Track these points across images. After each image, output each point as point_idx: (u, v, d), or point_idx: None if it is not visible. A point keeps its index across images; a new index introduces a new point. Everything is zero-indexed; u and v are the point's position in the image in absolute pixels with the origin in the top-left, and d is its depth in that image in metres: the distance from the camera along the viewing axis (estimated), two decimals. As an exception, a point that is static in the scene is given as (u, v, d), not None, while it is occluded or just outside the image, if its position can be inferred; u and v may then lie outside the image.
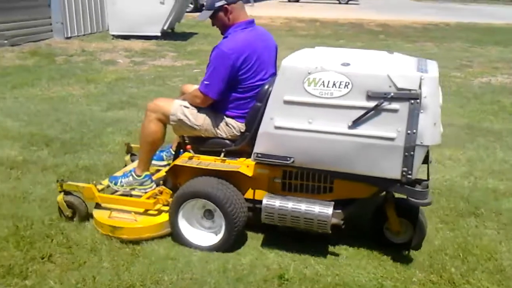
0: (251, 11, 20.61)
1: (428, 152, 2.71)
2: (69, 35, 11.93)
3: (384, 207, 2.92)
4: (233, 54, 2.93)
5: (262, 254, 2.95)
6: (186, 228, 2.98)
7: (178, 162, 3.05)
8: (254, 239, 3.07)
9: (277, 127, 2.70)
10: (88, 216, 3.24)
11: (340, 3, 28.97)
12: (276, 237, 3.06)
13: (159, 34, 11.83)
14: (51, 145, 4.64)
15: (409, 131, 2.50)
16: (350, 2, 29.24)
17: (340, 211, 2.81)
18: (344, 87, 2.55)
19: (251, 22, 3.15)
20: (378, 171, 2.63)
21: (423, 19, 18.77)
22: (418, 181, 2.70)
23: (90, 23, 12.91)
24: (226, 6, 3.06)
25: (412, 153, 2.53)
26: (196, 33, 13.75)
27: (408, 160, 2.54)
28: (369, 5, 28.16)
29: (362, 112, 2.54)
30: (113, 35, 12.07)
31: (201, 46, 11.59)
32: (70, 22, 12.00)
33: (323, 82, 2.58)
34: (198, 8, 20.28)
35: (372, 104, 2.52)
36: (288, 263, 2.86)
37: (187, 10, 15.35)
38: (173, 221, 2.97)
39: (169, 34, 12.61)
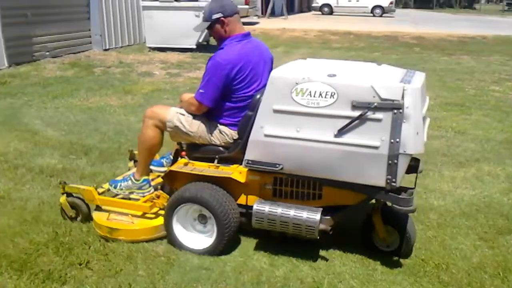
0: (284, 24, 20.84)
1: (418, 162, 2.87)
2: (107, 47, 12.26)
3: (371, 215, 2.97)
4: (227, 65, 3.04)
5: (296, 266, 2.94)
6: (180, 231, 3.08)
7: (173, 168, 3.16)
8: (288, 251, 3.07)
9: (266, 135, 2.80)
10: (90, 217, 3.33)
11: (374, 15, 28.84)
12: (310, 249, 3.05)
13: (194, 46, 12.03)
14: (90, 154, 4.75)
15: (392, 140, 2.56)
16: (384, 15, 29.06)
17: (329, 217, 2.86)
18: (330, 97, 2.64)
19: (247, 35, 3.26)
20: (363, 178, 2.70)
21: (459, 32, 18.46)
22: (404, 189, 2.77)
23: (128, 36, 13.24)
24: (222, 18, 3.17)
25: (395, 161, 2.58)
26: (230, 46, 13.90)
27: (392, 168, 2.60)
28: (403, 18, 27.93)
29: (347, 121, 2.62)
30: (149, 47, 12.34)
31: (235, 59, 11.71)
32: (108, 35, 12.33)
33: (310, 92, 2.68)
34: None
35: (356, 113, 2.59)
36: (322, 276, 2.84)
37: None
38: (167, 224, 3.07)
39: (204, 47, 12.78)
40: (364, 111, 2.57)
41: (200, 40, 12.26)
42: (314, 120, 2.68)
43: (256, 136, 2.84)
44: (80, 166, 4.45)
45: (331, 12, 29.92)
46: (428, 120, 2.93)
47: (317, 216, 2.78)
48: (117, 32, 12.76)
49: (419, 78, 2.77)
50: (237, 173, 3.01)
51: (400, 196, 2.70)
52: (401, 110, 2.53)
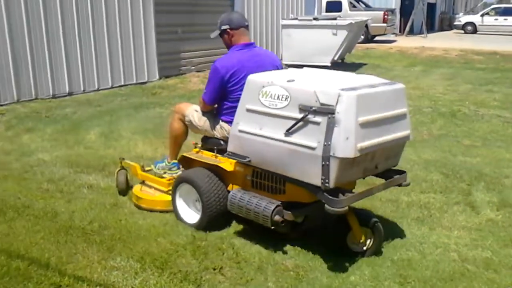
0: (423, 42, 20.02)
1: (403, 174, 3.25)
2: (246, 63, 12.80)
3: (346, 216, 3.10)
4: (222, 69, 3.57)
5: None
6: (181, 206, 3.65)
7: (185, 154, 3.76)
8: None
9: (240, 131, 3.18)
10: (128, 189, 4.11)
11: (525, 35, 26.47)
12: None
13: (329, 64, 12.08)
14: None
15: (325, 143, 2.74)
16: (537, 33, 26.53)
17: (289, 212, 3.10)
18: (285, 100, 2.93)
19: (248, 45, 3.74)
20: (306, 177, 2.91)
21: None
22: (343, 191, 2.92)
23: (265, 52, 13.71)
24: (228, 30, 3.73)
25: (327, 163, 2.75)
26: (365, 64, 13.75)
27: (325, 169, 2.77)
28: (561, 37, 25.25)
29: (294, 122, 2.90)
30: (286, 64, 12.65)
31: (370, 77, 11.53)
32: (247, 51, 12.87)
33: (271, 94, 3.00)
34: (369, 39, 20.29)
35: (301, 115, 2.84)
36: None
37: (358, 41, 15.42)
38: (173, 198, 3.68)
39: (339, 64, 12.79)
40: (306, 114, 2.82)
41: (336, 58, 12.30)
42: (272, 120, 3.01)
43: (234, 131, 3.24)
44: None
45: (474, 31, 28.09)
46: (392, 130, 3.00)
47: (271, 208, 3.05)
48: (256, 49, 13.27)
49: (379, 88, 2.93)
50: (228, 163, 3.44)
51: (331, 197, 2.83)
52: (334, 115, 2.71)
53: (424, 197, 4.25)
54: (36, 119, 6.74)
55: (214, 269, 3.06)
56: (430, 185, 4.52)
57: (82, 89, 8.63)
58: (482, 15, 28.55)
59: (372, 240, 3.25)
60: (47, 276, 2.91)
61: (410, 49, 17.54)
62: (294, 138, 2.90)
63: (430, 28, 29.27)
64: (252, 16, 13.05)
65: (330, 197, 2.84)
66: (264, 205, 3.09)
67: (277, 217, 3.06)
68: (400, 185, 3.31)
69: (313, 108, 2.78)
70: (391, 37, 23.21)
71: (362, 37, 18.18)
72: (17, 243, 3.29)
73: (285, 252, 3.24)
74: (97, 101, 8.04)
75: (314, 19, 12.29)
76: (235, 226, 3.60)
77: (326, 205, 2.84)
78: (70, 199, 4.06)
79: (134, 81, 9.59)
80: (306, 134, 2.85)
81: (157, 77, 10.08)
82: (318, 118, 2.78)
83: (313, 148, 2.80)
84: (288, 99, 2.92)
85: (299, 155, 2.88)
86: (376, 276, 3.01)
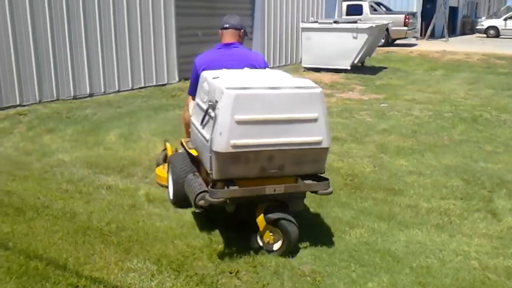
0: (444, 46, 19.77)
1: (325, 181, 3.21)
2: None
3: (255, 216, 3.23)
4: (197, 64, 3.87)
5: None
6: (170, 183, 3.97)
7: (181, 139, 4.05)
8: None
9: (192, 122, 3.53)
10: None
11: (550, 39, 25.99)
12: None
13: (348, 67, 12.02)
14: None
15: (211, 137, 2.96)
16: None
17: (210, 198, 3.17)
18: (207, 95, 3.17)
19: (228, 45, 4.00)
20: (208, 167, 3.11)
21: None
22: (227, 184, 3.06)
23: (285, 56, 13.73)
24: (219, 30, 4.08)
25: (210, 155, 2.98)
26: (385, 68, 13.63)
27: (210, 161, 3.01)
28: None
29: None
30: (304, 67, 12.63)
31: (390, 81, 11.44)
32: (267, 54, 12.89)
33: (204, 89, 3.28)
34: (389, 43, 20.13)
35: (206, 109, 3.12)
36: None
37: (379, 44, 15.30)
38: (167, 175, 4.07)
39: (359, 68, 12.71)
40: (208, 108, 3.06)
41: (356, 61, 12.22)
42: (199, 112, 3.31)
43: (191, 122, 3.60)
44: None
45: (497, 35, 27.67)
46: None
47: (196, 192, 3.20)
48: (276, 52, 13.29)
49: (279, 91, 3.00)
50: (194, 150, 3.59)
51: (209, 187, 3.07)
52: (216, 111, 2.94)
53: (444, 203, 4.18)
54: (57, 119, 6.83)
55: (231, 273, 3.04)
56: (451, 191, 4.45)
57: (102, 90, 8.72)
58: (505, 19, 28.10)
59: (282, 241, 3.24)
60: (65, 276, 2.93)
61: (431, 53, 17.35)
62: (202, 130, 3.19)
63: (452, 32, 28.91)
64: (273, 19, 13.05)
65: (209, 187, 3.08)
66: (195, 190, 3.24)
67: (201, 202, 3.18)
68: (316, 192, 3.22)
69: (211, 103, 3.01)
70: (412, 40, 22.98)
71: (383, 40, 18.03)
72: (36, 243, 3.32)
73: (301, 257, 3.22)
74: (117, 102, 8.12)
75: (335, 22, 12.23)
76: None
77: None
78: (88, 200, 4.09)
79: (154, 83, 9.65)
80: (207, 127, 3.11)
81: (177, 79, 10.14)
82: (213, 113, 3.00)
83: (207, 140, 3.04)
84: (208, 94, 3.17)
85: (204, 146, 3.14)
86: (394, 283, 2.97)
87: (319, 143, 3.08)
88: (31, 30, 7.53)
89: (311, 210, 3.99)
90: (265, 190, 3.10)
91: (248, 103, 2.92)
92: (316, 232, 3.62)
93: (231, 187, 3.06)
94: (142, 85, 9.42)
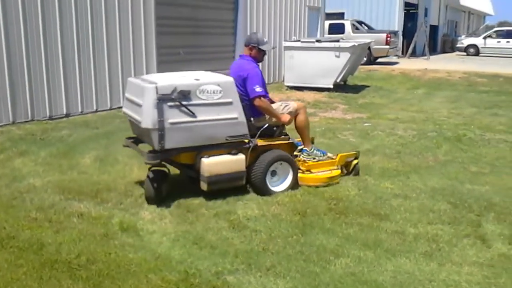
0: (426, 64, 19.94)
1: None
2: (247, 85, 12.70)
3: None
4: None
5: None
6: None
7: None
8: None
9: None
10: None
11: (527, 57, 26.43)
12: None
13: (331, 86, 11.96)
14: (225, 191, 4.78)
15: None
16: (540, 56, 26.50)
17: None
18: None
19: (240, 56, 5.19)
20: None
21: None
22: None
23: (268, 74, 13.62)
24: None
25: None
26: (368, 86, 13.62)
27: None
28: None
29: None
30: (287, 86, 12.54)
31: (373, 99, 11.39)
32: (249, 73, 12.78)
33: None
34: (371, 61, 20.23)
35: None
36: None
37: (361, 63, 15.32)
38: None
39: (341, 86, 12.68)
40: None
41: (338, 80, 12.17)
42: None
43: None
44: (216, 203, 4.46)
45: (477, 53, 28.08)
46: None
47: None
48: (258, 71, 13.19)
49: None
50: None
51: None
52: None
53: (432, 228, 4.03)
54: (31, 141, 6.57)
55: (208, 310, 2.84)
56: (438, 215, 4.31)
57: (80, 110, 8.48)
58: (484, 38, 28.56)
59: None
60: (27, 317, 2.70)
61: (412, 71, 17.45)
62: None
63: (433, 50, 29.30)
64: (254, 38, 12.96)
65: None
66: None
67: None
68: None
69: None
70: (394, 59, 23.16)
71: (365, 59, 18.11)
72: (-2, 278, 3.08)
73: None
74: (94, 122, 7.88)
75: (317, 41, 12.19)
76: (231, 261, 3.39)
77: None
78: (58, 229, 3.85)
79: (134, 103, 9.44)
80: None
81: (157, 98, 9.93)
82: None
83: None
84: None
85: None
86: None
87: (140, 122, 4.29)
88: (4, 46, 7.31)
89: (294, 237, 3.80)
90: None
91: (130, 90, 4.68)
92: (300, 262, 3.43)
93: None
94: (121, 104, 9.14)
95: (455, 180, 5.31)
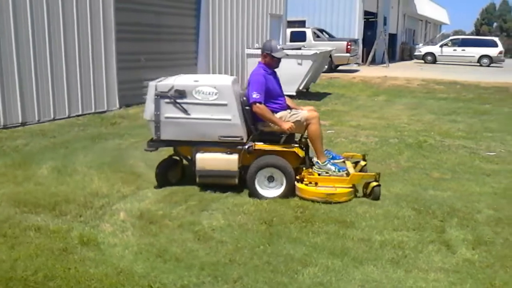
0: (386, 72, 20.34)
1: None
2: (210, 92, 12.61)
3: None
4: None
5: None
6: None
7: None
8: None
9: None
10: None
11: (481, 65, 27.40)
12: None
13: (294, 93, 11.99)
14: (190, 201, 4.69)
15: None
16: (492, 64, 27.51)
17: None
18: None
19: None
20: None
21: None
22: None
23: (230, 81, 13.57)
24: None
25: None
26: (330, 93, 13.75)
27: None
28: (514, 68, 26.23)
29: None
30: (250, 93, 12.50)
31: (335, 107, 11.49)
32: (212, 80, 12.71)
33: None
34: (333, 69, 20.49)
35: None
36: None
37: (323, 70, 15.46)
38: None
39: (304, 94, 12.74)
40: None
41: (301, 88, 12.23)
42: None
43: None
44: (179, 213, 4.38)
45: (434, 61, 28.93)
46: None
47: None
48: (221, 78, 13.14)
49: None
50: None
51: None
52: None
53: (398, 235, 4.04)
54: (-16, 152, 6.27)
55: (173, 326, 2.73)
56: (403, 222, 4.33)
57: (36, 118, 8.18)
58: (441, 46, 29.44)
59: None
60: None
61: (373, 79, 17.75)
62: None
63: (392, 58, 29.95)
64: (217, 45, 12.94)
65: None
66: None
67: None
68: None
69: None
70: (354, 66, 23.54)
71: (326, 66, 18.31)
72: None
73: None
74: (52, 131, 7.62)
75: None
76: (197, 274, 3.30)
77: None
78: (13, 245, 3.66)
79: (93, 110, 9.20)
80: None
81: (118, 106, 9.73)
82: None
83: None
84: None
85: None
86: None
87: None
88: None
89: (261, 247, 3.74)
90: None
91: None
92: (267, 273, 3.36)
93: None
94: (80, 112, 8.94)
95: (418, 186, 5.37)
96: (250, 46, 13.92)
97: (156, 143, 4.93)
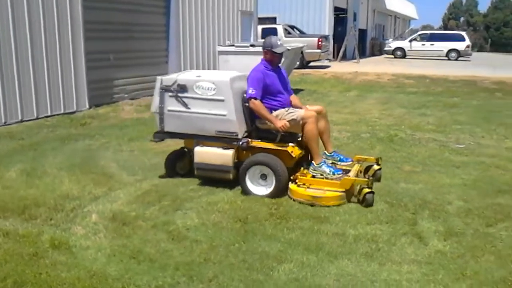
0: (356, 67, 20.55)
1: None
2: (182, 90, 12.52)
3: None
4: None
5: None
6: None
7: None
8: None
9: None
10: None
11: (449, 59, 27.94)
12: None
13: (266, 90, 12.00)
14: (163, 200, 4.64)
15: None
16: (460, 58, 28.08)
17: None
18: None
19: None
20: None
21: (546, 77, 17.36)
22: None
23: (202, 79, 13.50)
24: None
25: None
26: (302, 90, 13.81)
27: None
28: (480, 61, 26.85)
29: None
30: (223, 90, 12.45)
31: (307, 103, 11.51)
32: (183, 78, 12.62)
33: None
34: (304, 65, 20.58)
35: None
36: None
37: (295, 67, 15.51)
38: None
39: (276, 90, 12.73)
40: None
41: (273, 84, 12.23)
42: None
43: None
44: (153, 214, 4.33)
45: (404, 56, 29.34)
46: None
47: None
48: (192, 75, 13.06)
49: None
50: None
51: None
52: None
53: (371, 229, 4.08)
54: (-52, 156, 6.08)
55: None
56: (376, 215, 4.37)
57: (3, 120, 7.98)
58: (410, 41, 29.88)
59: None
60: None
61: (344, 74, 17.90)
62: None
63: (362, 54, 30.30)
64: (188, 42, 12.84)
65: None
66: None
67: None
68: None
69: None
70: (325, 62, 23.70)
71: (298, 63, 18.35)
72: None
73: None
74: (20, 133, 7.43)
75: (251, 45, 12.20)
76: (171, 274, 3.27)
77: None
78: (-19, 251, 3.56)
79: (62, 111, 9.01)
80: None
81: (87, 106, 9.55)
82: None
83: None
84: None
85: None
86: None
87: None
88: None
89: (236, 245, 3.72)
90: None
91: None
92: (243, 270, 3.35)
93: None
94: (49, 113, 8.75)
95: (390, 179, 5.44)
96: (221, 43, 13.85)
97: (160, 135, 5.20)
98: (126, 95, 10.75)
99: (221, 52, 12.40)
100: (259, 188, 4.80)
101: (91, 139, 7.20)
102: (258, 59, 12.89)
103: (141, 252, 3.58)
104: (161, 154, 6.41)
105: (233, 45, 12.69)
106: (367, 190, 4.54)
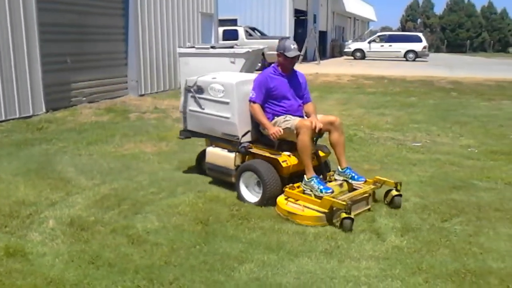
0: (317, 69, 20.80)
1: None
2: (143, 93, 12.39)
3: None
4: None
5: None
6: None
7: None
8: None
9: None
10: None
11: (407, 60, 28.66)
12: None
13: (228, 91, 12.01)
14: (122, 204, 4.58)
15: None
16: (417, 59, 28.86)
17: None
18: None
19: None
20: None
21: (497, 76, 18.04)
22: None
23: (163, 81, 13.40)
24: None
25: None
26: (264, 91, 13.87)
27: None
28: (437, 62, 27.67)
29: None
30: (184, 92, 12.38)
31: (269, 104, 11.61)
32: (144, 80, 12.49)
33: None
34: (265, 66, 20.66)
35: None
36: None
37: (256, 68, 15.57)
38: None
39: (238, 92, 12.76)
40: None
41: (234, 86, 12.26)
42: None
43: None
44: (112, 218, 4.27)
45: (363, 57, 29.93)
46: None
47: None
48: (153, 78, 12.92)
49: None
50: None
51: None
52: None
53: (330, 227, 4.14)
54: None
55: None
56: (335, 213, 4.44)
57: (-45, 126, 7.70)
58: (369, 42, 30.50)
59: None
60: None
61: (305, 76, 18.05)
62: None
63: (323, 55, 30.69)
64: (148, 44, 12.70)
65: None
66: None
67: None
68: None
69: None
70: (287, 63, 23.83)
71: (259, 64, 18.43)
72: None
73: None
74: (-28, 139, 7.19)
75: (212, 47, 12.17)
76: (131, 278, 3.23)
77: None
78: None
79: (17, 116, 8.74)
80: None
81: (44, 110, 9.30)
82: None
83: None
84: None
85: None
86: None
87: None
88: None
89: (197, 247, 3.72)
90: None
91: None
92: (204, 272, 3.35)
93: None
94: (3, 118, 8.48)
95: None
96: (181, 45, 13.76)
97: (184, 132, 5.38)
98: (84, 98, 10.54)
99: (181, 54, 12.24)
100: (251, 196, 4.70)
101: (48, 144, 7.03)
102: (219, 61, 12.95)
103: (100, 257, 3.53)
104: (121, 157, 6.35)
105: (193, 47, 12.62)
106: (344, 215, 4.08)
